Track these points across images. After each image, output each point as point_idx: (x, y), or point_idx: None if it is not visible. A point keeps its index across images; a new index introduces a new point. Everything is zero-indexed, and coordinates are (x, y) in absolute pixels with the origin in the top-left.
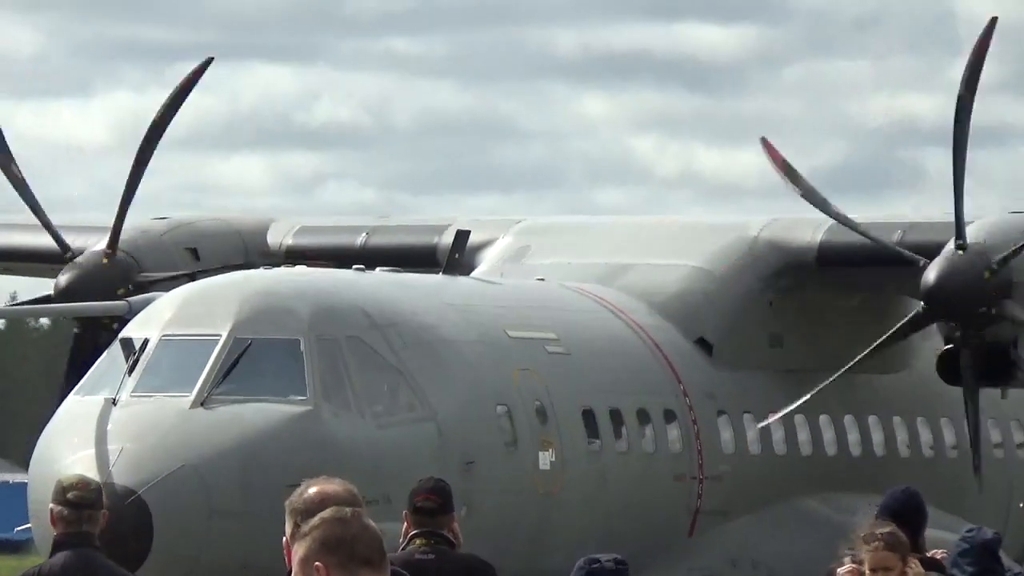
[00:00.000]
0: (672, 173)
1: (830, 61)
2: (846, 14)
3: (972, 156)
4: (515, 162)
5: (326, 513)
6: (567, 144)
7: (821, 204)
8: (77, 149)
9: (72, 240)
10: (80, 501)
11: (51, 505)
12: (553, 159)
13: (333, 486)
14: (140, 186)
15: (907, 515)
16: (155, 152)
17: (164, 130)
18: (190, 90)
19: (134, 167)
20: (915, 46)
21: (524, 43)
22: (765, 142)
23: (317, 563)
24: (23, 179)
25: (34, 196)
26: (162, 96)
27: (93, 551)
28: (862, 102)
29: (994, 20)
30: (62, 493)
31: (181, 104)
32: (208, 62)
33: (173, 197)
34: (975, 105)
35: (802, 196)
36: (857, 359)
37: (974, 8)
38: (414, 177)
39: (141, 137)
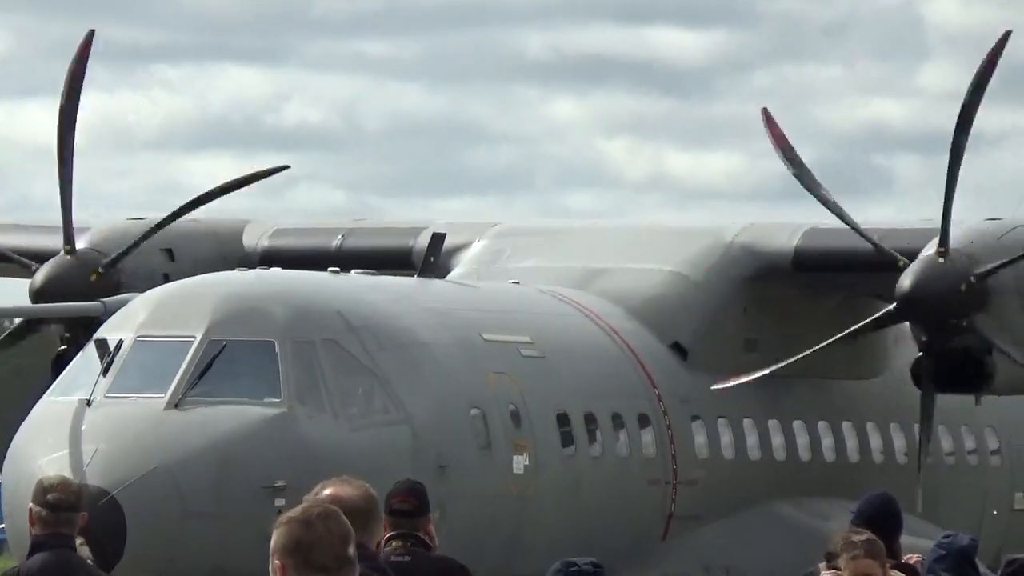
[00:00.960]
0: (643, 177)
1: (800, 66)
2: (815, 20)
3: (945, 161)
4: (486, 165)
5: (295, 512)
6: (538, 147)
7: (812, 186)
8: (46, 150)
9: (39, 241)
10: (59, 503)
11: (31, 505)
12: (524, 162)
13: (348, 489)
14: (110, 185)
15: (882, 521)
16: (125, 154)
17: (75, 117)
18: (85, 67)
19: (59, 163)
20: (884, 52)
21: (494, 46)
22: (766, 114)
23: (277, 562)
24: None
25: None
26: (133, 97)
27: (70, 552)
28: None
29: (1008, 33)
30: (42, 494)
31: (81, 89)
32: (90, 35)
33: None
34: (948, 111)
35: (794, 175)
36: (820, 345)
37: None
38: (385, 179)
39: (111, 136)
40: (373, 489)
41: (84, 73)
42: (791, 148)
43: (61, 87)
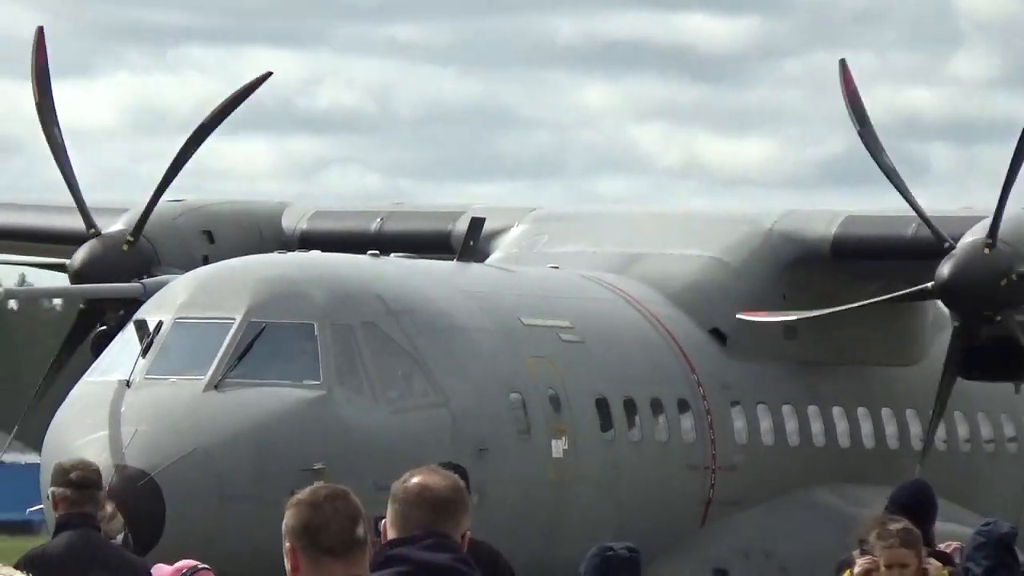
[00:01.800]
0: (675, 163)
1: (832, 54)
2: (847, 7)
3: (979, 150)
4: (519, 150)
5: (304, 494)
6: (570, 133)
7: (874, 150)
8: (79, 131)
9: (73, 222)
10: (83, 482)
11: (52, 488)
12: (556, 148)
13: (436, 478)
14: (142, 168)
15: (917, 507)
16: (160, 135)
17: (210, 132)
18: (243, 99)
19: (173, 163)
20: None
21: (526, 31)
22: (843, 66)
23: (287, 544)
24: (63, 145)
25: (71, 165)
26: (164, 80)
27: (95, 532)
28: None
29: None
30: (64, 475)
31: (232, 111)
32: (266, 76)
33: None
34: (980, 99)
35: (859, 134)
36: (853, 305)
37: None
38: (418, 164)
39: (144, 120)
40: (391, 473)
41: (47, 68)
42: (862, 106)
43: (89, 68)
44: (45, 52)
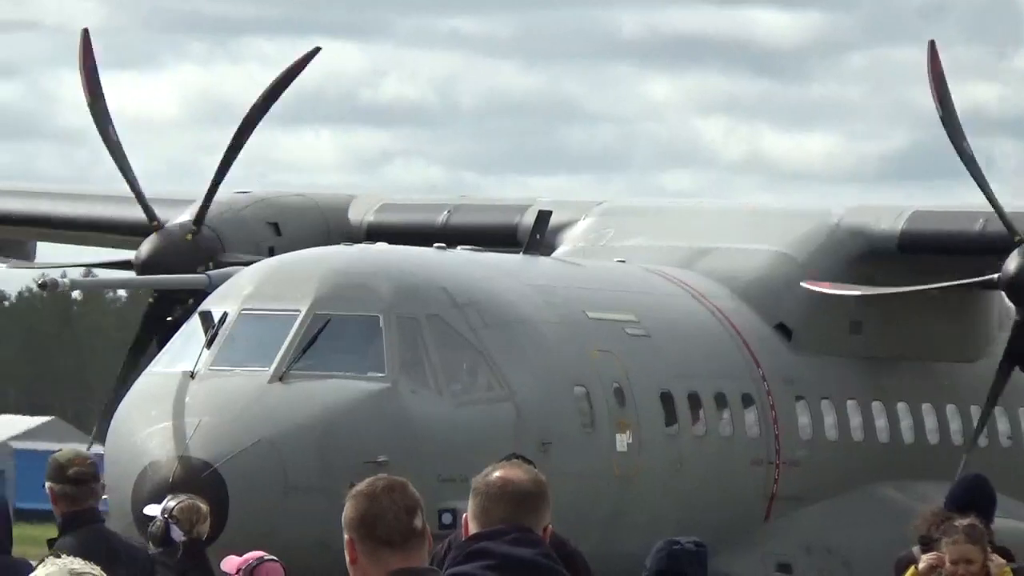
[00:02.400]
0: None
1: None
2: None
3: None
4: (582, 144)
5: (362, 485)
6: (634, 126)
7: (955, 136)
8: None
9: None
10: (82, 477)
11: (48, 484)
12: (620, 141)
13: (518, 472)
14: (205, 160)
15: (975, 503)
16: (222, 126)
17: (264, 114)
18: (293, 78)
19: (229, 148)
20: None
21: (588, 24)
22: (932, 48)
23: (346, 536)
24: (119, 143)
25: (128, 162)
26: (227, 71)
27: (103, 527)
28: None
29: None
30: (61, 471)
31: (283, 91)
32: (315, 52)
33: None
34: None
35: (941, 119)
36: (913, 288)
37: None
38: (481, 156)
39: (208, 111)
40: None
41: (96, 70)
42: (947, 90)
43: (151, 60)
44: (92, 54)
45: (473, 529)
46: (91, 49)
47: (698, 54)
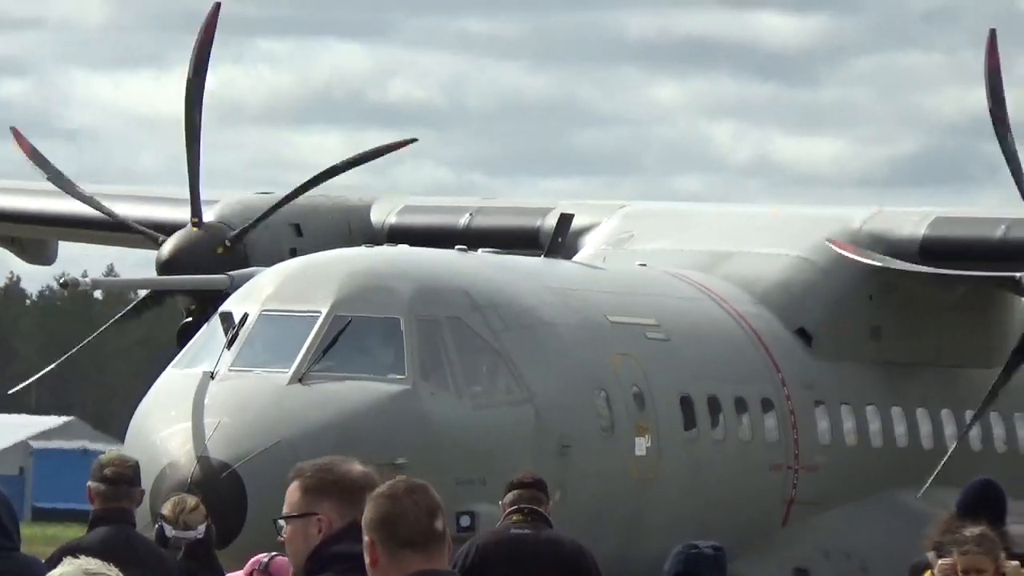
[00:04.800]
0: (747, 161)
1: (901, 53)
2: (916, 7)
3: None
4: (591, 146)
5: (383, 488)
6: (643, 129)
7: (1002, 132)
8: (151, 121)
9: (162, 213)
10: (117, 477)
11: (89, 483)
12: (630, 144)
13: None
14: (214, 159)
15: (986, 507)
16: (231, 126)
17: (340, 173)
18: (382, 155)
19: (187, 135)
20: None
21: (596, 26)
22: (992, 36)
23: (367, 538)
24: (92, 197)
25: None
26: (236, 70)
27: (130, 527)
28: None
29: None
30: (99, 470)
31: (368, 161)
32: (409, 141)
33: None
34: None
35: (990, 110)
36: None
37: None
38: (490, 158)
39: (216, 111)
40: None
41: (211, 46)
42: (1000, 83)
43: (158, 58)
44: (214, 30)
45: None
46: (214, 24)
47: (706, 57)
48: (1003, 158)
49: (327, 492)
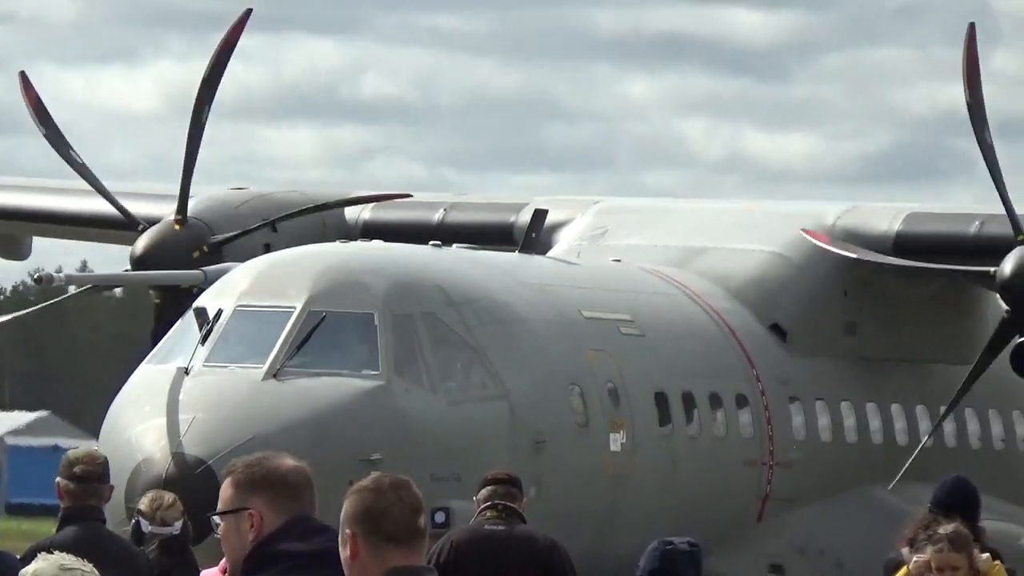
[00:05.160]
0: (719, 157)
1: (872, 49)
2: (887, 3)
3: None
4: (563, 142)
5: (366, 481)
6: (614, 125)
7: (979, 126)
8: (123, 117)
9: (139, 208)
10: (87, 475)
11: (58, 479)
12: (601, 140)
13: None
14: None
15: (960, 503)
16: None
17: (215, 92)
18: (234, 46)
19: (190, 132)
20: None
21: (568, 22)
22: (972, 29)
23: (347, 531)
24: (84, 163)
25: (97, 178)
26: (204, 67)
27: (101, 525)
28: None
29: None
30: (69, 467)
31: (227, 62)
32: (248, 14)
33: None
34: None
35: (968, 104)
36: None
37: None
38: (462, 154)
39: (188, 105)
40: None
41: (233, 49)
42: (978, 77)
43: (130, 54)
44: (240, 32)
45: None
46: (242, 27)
47: (676, 53)
48: (978, 152)
49: (258, 487)
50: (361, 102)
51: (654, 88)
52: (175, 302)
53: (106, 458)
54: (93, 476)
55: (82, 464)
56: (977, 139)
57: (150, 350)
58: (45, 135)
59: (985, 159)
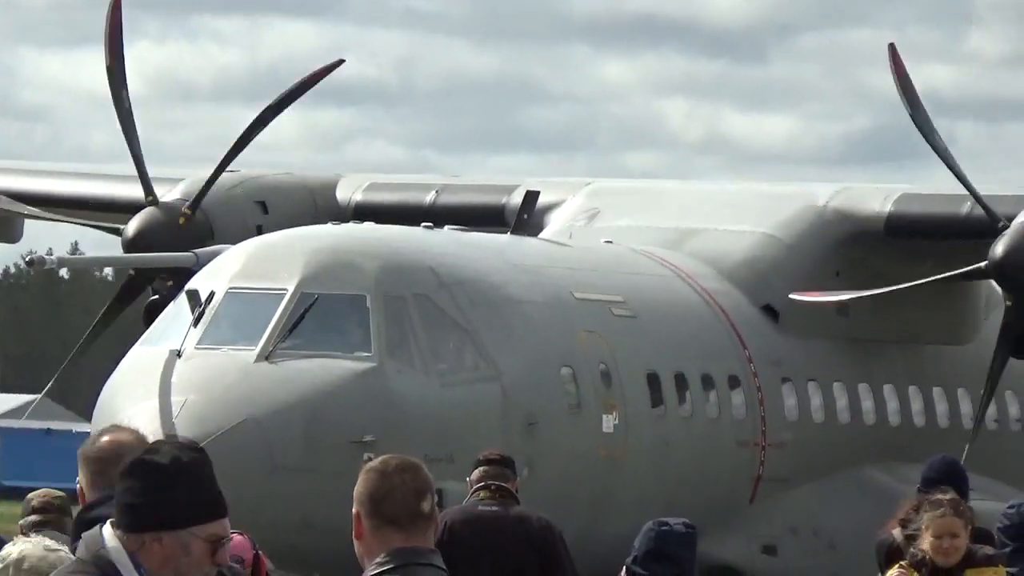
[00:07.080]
0: (699, 138)
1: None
2: None
3: (1000, 128)
4: (543, 124)
5: (376, 463)
6: (593, 107)
7: (927, 132)
8: (102, 99)
9: (126, 190)
10: (47, 508)
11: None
12: (580, 122)
13: (126, 435)
14: (165, 137)
15: (948, 482)
16: (178, 105)
17: (279, 113)
18: (315, 84)
19: (238, 142)
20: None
21: (545, 4)
22: (892, 50)
23: (354, 510)
24: (131, 111)
25: (136, 132)
26: (183, 48)
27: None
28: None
29: None
30: (27, 504)
31: (303, 93)
32: (338, 63)
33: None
34: (998, 77)
35: (911, 116)
36: (905, 285)
37: None
38: (442, 136)
39: (164, 89)
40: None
41: (121, 30)
42: (913, 89)
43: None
44: (120, 13)
45: (90, 497)
46: (119, 8)
47: (654, 35)
48: (960, 134)
49: (82, 462)
50: (340, 84)
51: (633, 70)
52: (146, 278)
53: (64, 495)
54: (52, 507)
55: (40, 498)
56: (930, 144)
57: (104, 318)
58: (108, 67)
59: (943, 160)
